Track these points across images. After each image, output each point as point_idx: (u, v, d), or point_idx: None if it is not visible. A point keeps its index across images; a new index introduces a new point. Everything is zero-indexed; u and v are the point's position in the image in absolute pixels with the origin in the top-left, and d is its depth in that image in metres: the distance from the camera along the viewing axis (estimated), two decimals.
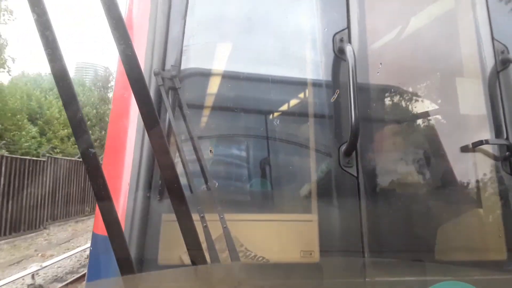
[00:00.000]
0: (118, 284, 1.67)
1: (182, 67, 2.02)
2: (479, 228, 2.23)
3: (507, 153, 2.20)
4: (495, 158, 2.25)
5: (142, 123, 1.84)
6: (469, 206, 2.22)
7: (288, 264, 1.91)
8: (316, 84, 2.22)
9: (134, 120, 1.89)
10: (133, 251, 1.73)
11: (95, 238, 1.84)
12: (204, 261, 1.53)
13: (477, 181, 2.24)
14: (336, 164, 2.05)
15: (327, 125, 2.16)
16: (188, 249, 1.50)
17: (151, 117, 1.41)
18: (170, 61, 1.96)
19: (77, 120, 1.31)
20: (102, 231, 1.81)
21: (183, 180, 1.81)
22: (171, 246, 1.79)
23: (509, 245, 2.15)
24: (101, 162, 1.46)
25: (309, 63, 2.26)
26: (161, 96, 1.85)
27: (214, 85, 2.15)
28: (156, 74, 1.86)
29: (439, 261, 2.10)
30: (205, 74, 2.16)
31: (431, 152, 2.25)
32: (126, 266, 1.39)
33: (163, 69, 1.92)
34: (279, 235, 2.00)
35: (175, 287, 1.66)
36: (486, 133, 2.29)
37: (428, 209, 2.17)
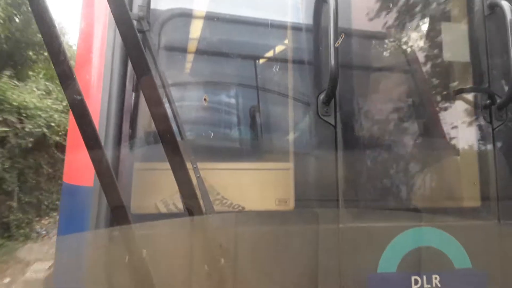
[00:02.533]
0: (90, 238, 1.66)
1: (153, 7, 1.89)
2: (456, 176, 2.25)
3: (488, 101, 2.17)
4: (475, 106, 2.22)
5: (109, 72, 1.75)
6: (447, 154, 2.23)
7: (264, 211, 1.91)
8: (296, 28, 2.11)
9: (101, 68, 1.79)
10: (104, 202, 1.70)
11: (66, 188, 1.80)
12: (199, 211, 1.53)
13: (456, 129, 2.23)
14: (314, 113, 2.00)
15: (307, 72, 2.08)
16: (183, 199, 1.53)
17: (141, 64, 1.35)
18: (138, 1, 1.83)
19: (63, 64, 1.26)
20: (74, 180, 1.78)
21: (153, 129, 1.77)
22: (145, 195, 1.77)
23: (484, 193, 2.18)
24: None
25: (290, 6, 2.13)
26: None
27: (187, 27, 2.03)
28: None
29: (415, 209, 2.12)
30: (177, 16, 2.03)
31: (411, 101, 2.21)
32: (121, 216, 1.38)
33: (131, 10, 1.79)
34: (255, 184, 1.99)
35: (150, 237, 1.66)
36: (469, 81, 2.25)
37: (406, 158, 2.17)
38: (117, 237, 1.59)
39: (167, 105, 1.79)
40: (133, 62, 1.36)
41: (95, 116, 1.73)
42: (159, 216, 1.76)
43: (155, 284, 1.40)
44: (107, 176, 1.34)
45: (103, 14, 1.85)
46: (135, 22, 1.75)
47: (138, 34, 1.72)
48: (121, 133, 1.80)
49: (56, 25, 1.26)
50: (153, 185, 1.84)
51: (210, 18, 2.10)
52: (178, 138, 1.78)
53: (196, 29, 2.05)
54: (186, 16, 2.10)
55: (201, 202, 1.74)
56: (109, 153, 1.73)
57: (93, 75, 1.81)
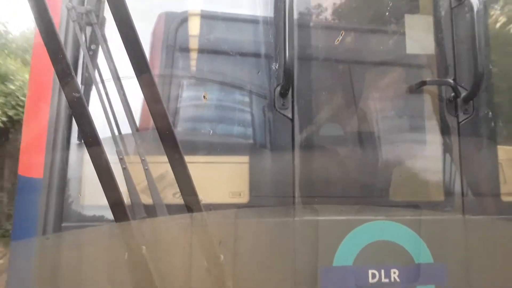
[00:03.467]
0: (44, 243, 1.69)
1: None
2: (420, 170, 2.21)
3: (452, 94, 2.14)
4: (440, 99, 2.18)
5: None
6: (409, 148, 2.19)
7: (218, 204, 1.92)
8: (253, 21, 2.11)
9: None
10: (53, 193, 1.74)
11: (20, 180, 1.83)
12: (198, 208, 1.59)
13: (420, 123, 2.20)
14: (271, 106, 2.00)
15: (264, 65, 2.07)
16: (183, 196, 1.54)
17: (139, 60, 1.38)
18: None
19: (62, 63, 1.28)
20: (27, 172, 1.81)
21: (104, 123, 1.78)
22: (93, 188, 1.79)
23: (448, 187, 2.15)
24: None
25: None
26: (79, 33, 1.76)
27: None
28: (68, 9, 1.75)
29: (374, 203, 2.10)
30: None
31: (373, 94, 2.19)
32: (119, 213, 1.40)
33: (82, 4, 1.81)
34: (211, 177, 1.99)
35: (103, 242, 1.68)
36: (434, 73, 2.21)
37: (366, 152, 2.14)
38: (70, 241, 1.61)
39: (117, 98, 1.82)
40: (130, 57, 1.38)
41: (45, 113, 1.77)
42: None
43: (156, 280, 1.43)
44: (106, 173, 1.36)
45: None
46: (84, 16, 1.77)
47: (86, 27, 1.77)
48: (70, 130, 1.83)
49: (55, 23, 1.29)
50: None
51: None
52: (131, 130, 1.81)
53: (149, 23, 2.06)
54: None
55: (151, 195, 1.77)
56: (58, 146, 1.77)
57: (47, 76, 1.84)
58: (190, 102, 2.09)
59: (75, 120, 1.33)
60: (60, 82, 1.29)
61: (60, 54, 1.26)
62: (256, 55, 2.10)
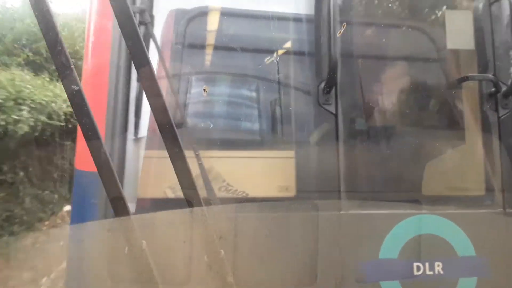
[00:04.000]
0: (103, 227, 1.72)
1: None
2: (460, 165, 2.24)
3: (493, 89, 2.15)
4: (481, 94, 2.20)
5: (116, 60, 1.83)
6: (451, 143, 2.22)
7: (266, 198, 1.97)
8: (296, 19, 2.15)
9: (107, 59, 1.87)
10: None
11: (77, 174, 1.90)
12: (199, 202, 1.48)
13: (461, 118, 2.22)
14: (315, 102, 2.04)
15: (307, 61, 2.11)
16: (182, 190, 1.46)
17: (139, 53, 1.32)
18: None
19: (61, 56, 1.23)
20: (85, 166, 1.87)
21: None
22: (153, 181, 1.84)
23: (489, 181, 2.17)
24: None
25: None
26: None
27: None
28: None
29: (418, 197, 2.13)
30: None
31: (414, 89, 2.21)
32: (119, 208, 1.36)
33: (133, 3, 1.86)
34: (258, 171, 2.04)
35: (162, 229, 1.71)
36: (474, 69, 2.23)
37: (409, 147, 2.17)
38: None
39: (170, 95, 1.87)
40: (130, 50, 1.34)
41: (102, 103, 1.82)
42: (166, 201, 1.82)
43: (156, 275, 1.39)
44: (106, 167, 1.31)
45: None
46: (137, 15, 1.82)
47: (139, 26, 1.81)
48: (127, 121, 1.88)
49: (54, 14, 1.25)
50: (161, 172, 1.90)
51: (222, 14, 2.16)
52: (181, 127, 1.86)
53: (211, 24, 2.12)
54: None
55: (204, 189, 1.82)
56: (116, 140, 1.82)
57: (101, 63, 1.89)
58: (240, 100, 2.14)
59: (74, 114, 1.28)
60: (59, 74, 1.25)
61: (59, 46, 1.22)
62: (300, 51, 2.14)
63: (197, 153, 1.79)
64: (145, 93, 1.39)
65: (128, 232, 1.38)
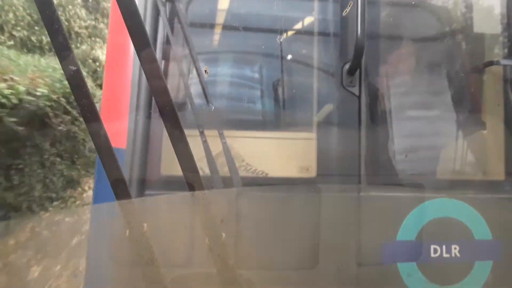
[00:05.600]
0: (124, 207, 1.72)
1: None
2: (481, 149, 2.23)
3: None
4: (504, 79, 2.18)
5: None
6: (473, 127, 2.21)
7: (286, 178, 1.98)
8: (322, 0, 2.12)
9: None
10: (136, 163, 1.81)
11: None
12: (200, 186, 1.46)
13: (484, 103, 2.20)
14: (339, 83, 2.03)
15: (332, 42, 2.09)
16: (184, 173, 1.44)
17: (139, 34, 1.29)
18: None
19: (58, 35, 1.21)
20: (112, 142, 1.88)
21: (181, 98, 1.84)
22: (173, 158, 1.86)
23: (509, 167, 2.17)
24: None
25: None
26: (157, 6, 1.80)
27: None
28: None
29: (437, 180, 2.14)
30: None
31: (438, 73, 2.19)
32: (120, 191, 1.34)
33: None
34: (279, 152, 2.05)
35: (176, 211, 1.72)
36: (499, 53, 2.21)
37: (431, 130, 2.17)
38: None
39: (193, 73, 1.87)
40: (130, 31, 1.29)
41: (127, 82, 1.83)
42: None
43: (157, 258, 1.39)
44: (106, 149, 1.29)
45: None
46: None
47: (166, 3, 1.80)
48: (151, 101, 1.89)
49: None
50: None
51: None
52: (206, 106, 1.86)
53: (223, 2, 2.09)
54: None
55: (226, 168, 1.83)
56: (141, 116, 1.83)
57: (126, 42, 1.89)
58: (261, 81, 2.13)
59: (73, 94, 1.25)
60: (57, 54, 1.22)
61: (56, 25, 1.19)
62: (324, 32, 2.11)
63: (220, 132, 1.79)
64: (145, 75, 1.36)
65: (129, 215, 1.36)
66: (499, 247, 2.01)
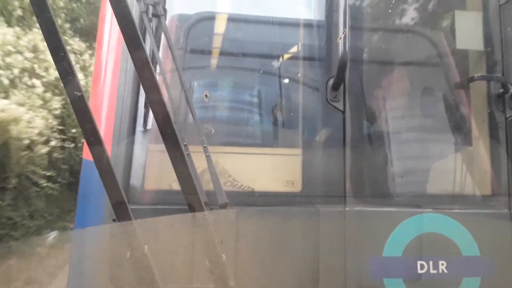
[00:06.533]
0: (107, 231, 1.71)
1: None
2: (467, 165, 2.24)
3: (501, 89, 2.16)
4: (488, 95, 2.20)
5: (127, 53, 1.84)
6: (458, 143, 2.22)
7: (271, 192, 1.98)
8: (307, 17, 2.17)
9: (119, 51, 1.89)
10: (119, 178, 1.80)
11: (85, 164, 1.91)
12: (200, 207, 1.48)
13: (469, 118, 2.22)
14: (323, 98, 2.05)
15: (317, 58, 2.13)
16: (184, 194, 1.47)
17: (137, 48, 1.33)
18: None
19: (63, 61, 1.26)
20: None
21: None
22: (156, 173, 1.86)
23: (495, 182, 2.17)
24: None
25: None
26: (144, 23, 1.83)
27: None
28: (138, 0, 1.83)
29: (423, 196, 2.13)
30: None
31: (422, 88, 2.22)
32: (121, 212, 1.37)
33: None
34: (265, 167, 2.05)
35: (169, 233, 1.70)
36: (483, 69, 2.24)
37: (416, 146, 2.18)
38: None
39: (178, 89, 1.89)
40: (128, 45, 1.33)
41: (112, 96, 1.84)
42: (172, 192, 1.83)
43: (158, 280, 1.40)
44: (108, 172, 1.32)
45: None
46: (151, 8, 1.84)
47: (152, 19, 1.83)
48: (136, 115, 1.90)
49: (56, 21, 1.26)
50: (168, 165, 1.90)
51: (230, 20, 2.19)
52: (190, 120, 1.87)
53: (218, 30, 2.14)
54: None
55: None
56: (123, 134, 1.84)
57: (111, 57, 1.91)
58: (248, 98, 2.16)
59: (77, 119, 1.29)
60: (62, 80, 1.27)
61: (61, 53, 1.25)
62: (309, 48, 2.15)
63: (204, 145, 1.80)
64: (143, 87, 1.39)
65: (131, 237, 1.38)
66: (488, 263, 1.99)
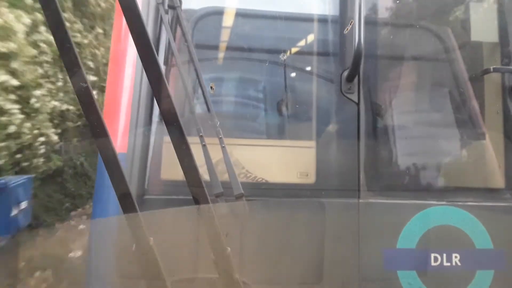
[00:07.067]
0: (122, 222, 1.72)
1: None
2: (481, 157, 2.23)
3: None
4: (503, 87, 2.19)
5: None
6: (472, 136, 2.21)
7: (285, 183, 1.98)
8: (321, 11, 2.16)
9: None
10: (136, 168, 1.83)
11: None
12: (205, 200, 1.51)
13: (482, 110, 2.21)
14: (337, 90, 2.05)
15: (331, 51, 2.12)
16: (189, 187, 1.49)
17: (142, 41, 1.34)
18: None
19: (69, 54, 1.27)
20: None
21: (181, 104, 1.86)
22: (173, 164, 1.87)
23: (508, 175, 2.16)
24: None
25: None
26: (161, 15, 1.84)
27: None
28: None
29: (437, 188, 2.13)
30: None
31: (436, 81, 2.21)
32: (127, 204, 1.38)
33: None
34: (278, 159, 2.06)
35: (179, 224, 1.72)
36: (497, 61, 2.22)
37: (430, 137, 2.17)
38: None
39: (195, 81, 1.90)
40: (135, 41, 1.34)
41: (128, 88, 1.86)
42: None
43: (163, 271, 1.41)
44: (114, 164, 1.33)
45: None
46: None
47: (168, 10, 1.83)
48: (153, 106, 1.91)
49: (62, 14, 1.27)
50: None
51: (241, 15, 2.20)
52: (206, 112, 1.88)
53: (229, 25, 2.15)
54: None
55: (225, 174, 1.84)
56: (141, 123, 1.85)
57: (128, 50, 1.92)
58: (262, 90, 2.16)
59: (82, 109, 1.30)
60: (67, 72, 1.28)
61: (67, 44, 1.25)
62: (323, 40, 2.15)
63: (220, 136, 1.81)
64: (150, 85, 1.41)
65: (136, 229, 1.39)
66: (501, 256, 1.99)
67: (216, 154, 1.82)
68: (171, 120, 1.39)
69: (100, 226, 1.90)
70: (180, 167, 1.65)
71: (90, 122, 1.30)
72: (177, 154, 1.41)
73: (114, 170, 1.33)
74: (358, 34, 1.81)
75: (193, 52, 1.86)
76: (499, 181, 2.17)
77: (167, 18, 1.86)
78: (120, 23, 2.07)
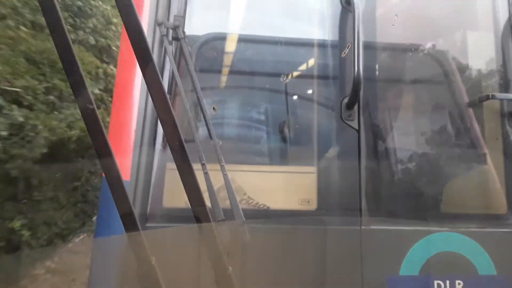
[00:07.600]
0: (125, 241, 1.73)
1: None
2: (482, 183, 2.24)
3: None
4: (502, 113, 2.22)
5: None
6: (472, 162, 2.23)
7: (287, 210, 1.99)
8: (321, 37, 2.21)
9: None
10: (139, 195, 1.84)
11: (105, 182, 1.95)
12: (207, 219, 1.51)
13: (482, 137, 2.23)
14: (337, 117, 2.08)
15: (331, 78, 2.16)
16: (191, 206, 1.49)
17: (151, 70, 1.38)
18: (174, 11, 1.99)
19: (76, 76, 1.31)
20: None
21: (184, 131, 1.89)
22: (175, 191, 1.88)
23: (510, 200, 2.17)
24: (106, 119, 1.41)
25: (315, 14, 2.24)
26: (165, 46, 1.89)
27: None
28: (159, 24, 1.89)
29: (439, 215, 2.13)
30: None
31: (436, 107, 2.24)
32: (130, 224, 1.39)
33: (168, 19, 1.95)
34: (280, 185, 2.07)
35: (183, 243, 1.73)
36: (496, 88, 2.26)
37: (430, 164, 2.19)
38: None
39: (198, 109, 1.93)
40: (141, 66, 1.37)
41: (132, 116, 1.89)
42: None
43: None
44: (117, 184, 1.36)
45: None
46: (171, 31, 1.90)
47: (172, 42, 1.89)
48: (156, 134, 1.95)
49: (69, 35, 1.30)
50: None
51: (243, 40, 2.25)
52: (208, 138, 1.91)
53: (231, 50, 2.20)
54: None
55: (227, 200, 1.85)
56: (145, 150, 1.88)
57: (133, 78, 1.97)
58: (264, 116, 2.19)
59: (88, 130, 1.33)
60: (74, 93, 1.32)
61: (74, 67, 1.29)
62: (323, 68, 2.19)
63: (222, 164, 1.83)
64: (155, 108, 1.42)
65: (138, 248, 1.40)
66: (505, 282, 1.98)
67: (218, 181, 1.84)
68: (176, 146, 1.41)
69: (103, 245, 1.91)
70: (183, 193, 1.67)
71: (95, 143, 1.33)
72: (181, 178, 1.43)
73: (117, 190, 1.36)
74: (357, 62, 1.85)
75: (196, 81, 1.90)
76: (501, 207, 2.17)
77: (171, 48, 1.91)
78: (126, 50, 2.12)
